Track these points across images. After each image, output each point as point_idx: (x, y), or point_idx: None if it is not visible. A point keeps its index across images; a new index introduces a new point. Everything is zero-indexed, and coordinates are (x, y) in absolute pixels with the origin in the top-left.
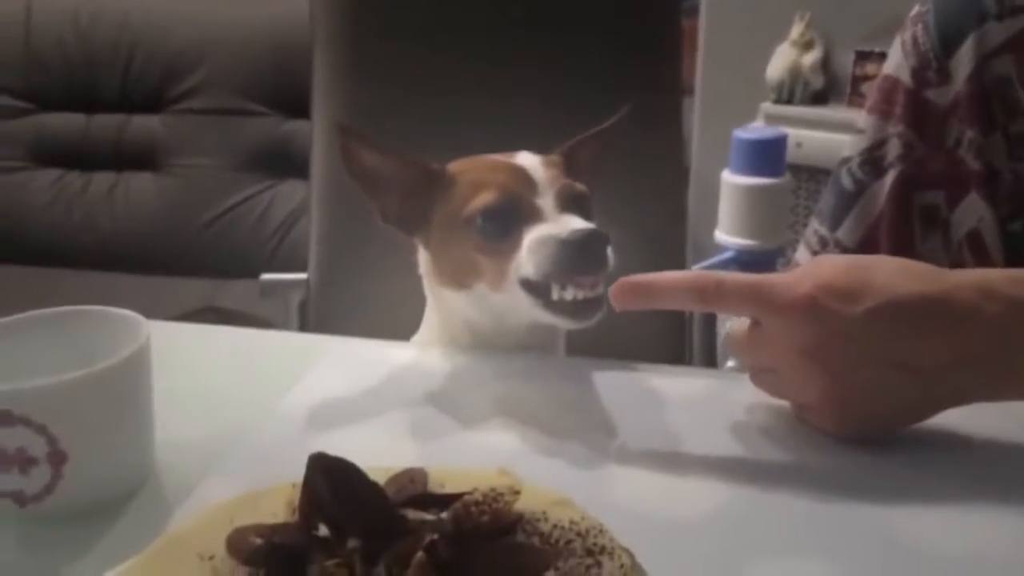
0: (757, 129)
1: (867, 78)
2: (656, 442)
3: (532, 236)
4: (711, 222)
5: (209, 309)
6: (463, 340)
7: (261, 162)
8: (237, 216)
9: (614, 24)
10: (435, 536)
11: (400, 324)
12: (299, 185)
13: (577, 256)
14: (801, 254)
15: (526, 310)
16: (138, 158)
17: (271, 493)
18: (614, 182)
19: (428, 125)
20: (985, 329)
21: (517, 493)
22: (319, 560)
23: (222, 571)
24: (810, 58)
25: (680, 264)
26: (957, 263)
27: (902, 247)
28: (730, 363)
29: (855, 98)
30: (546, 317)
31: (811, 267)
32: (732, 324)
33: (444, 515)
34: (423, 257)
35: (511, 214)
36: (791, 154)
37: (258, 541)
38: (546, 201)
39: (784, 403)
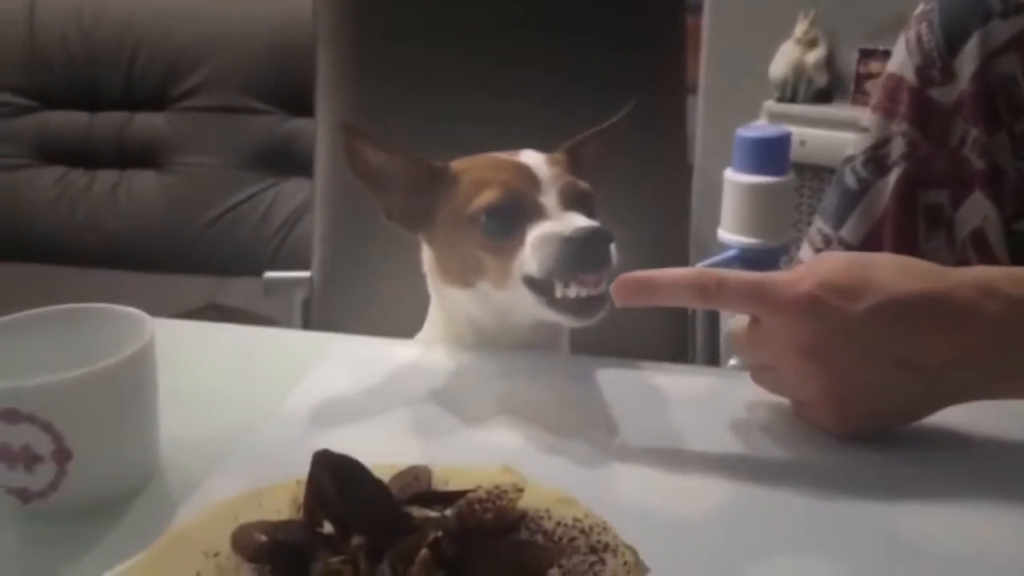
0: (760, 127)
1: (871, 76)
2: (659, 440)
3: (535, 234)
4: (714, 220)
5: (212, 307)
6: (467, 338)
7: (264, 160)
8: (240, 214)
9: (617, 24)
10: (439, 533)
11: (404, 322)
12: (302, 183)
13: (580, 254)
14: (805, 252)
15: (529, 308)
16: (142, 156)
17: (275, 490)
18: (617, 180)
19: (431, 124)
20: (986, 327)
21: (521, 491)
22: (323, 557)
23: (227, 568)
24: (814, 56)
25: (683, 263)
26: (961, 262)
27: (906, 246)
28: (733, 361)
29: (859, 96)
30: (549, 315)
31: (812, 265)
32: (733, 322)
33: (448, 512)
34: (427, 255)
35: (515, 212)
36: (795, 152)
37: (262, 538)
38: (549, 199)
39: (786, 401)
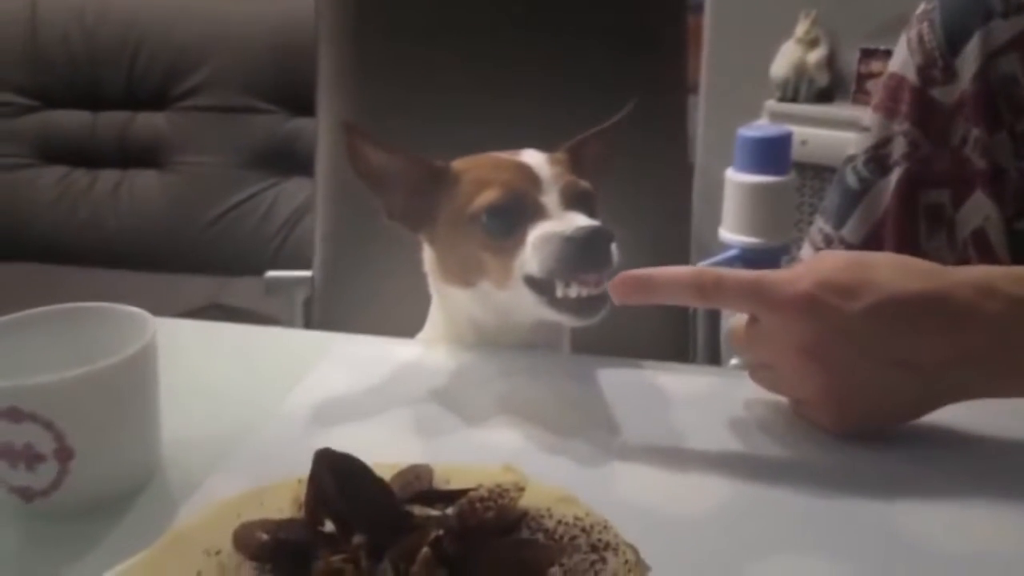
0: (762, 127)
1: (872, 76)
2: (660, 439)
3: (536, 233)
4: (715, 220)
5: (214, 306)
6: (468, 337)
7: (266, 159)
8: (242, 213)
9: (618, 24)
10: (440, 532)
11: (405, 321)
12: (304, 182)
13: (581, 253)
14: (806, 252)
15: (530, 307)
16: (143, 155)
17: (277, 489)
18: (618, 180)
19: (433, 123)
20: (986, 327)
21: (522, 490)
22: (324, 555)
23: (228, 566)
24: (815, 56)
25: (684, 262)
26: (962, 262)
27: (907, 246)
28: (734, 361)
29: (860, 96)
30: (550, 314)
31: (810, 264)
32: (733, 320)
33: (449, 511)
34: (428, 254)
35: (515, 211)
36: (796, 152)
37: (264, 536)
38: (550, 198)
39: (787, 401)
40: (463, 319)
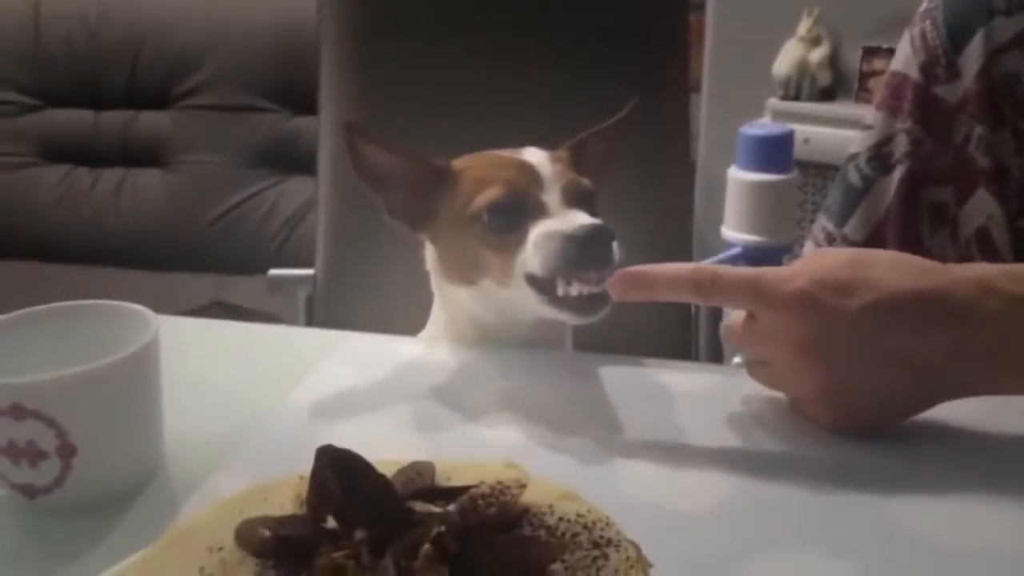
0: (764, 125)
1: (874, 74)
2: (662, 436)
3: (537, 231)
4: (718, 218)
5: (216, 305)
6: (469, 335)
7: (268, 158)
8: (244, 212)
9: (620, 22)
10: (442, 528)
11: (407, 319)
12: (306, 181)
13: (582, 252)
14: (808, 250)
15: (532, 306)
16: (146, 154)
17: (279, 486)
18: (621, 178)
19: (435, 122)
20: (984, 325)
21: (524, 486)
22: (327, 552)
23: (231, 563)
24: (817, 54)
25: (685, 260)
26: (965, 260)
27: (909, 244)
28: (736, 359)
29: (862, 94)
30: (551, 313)
31: (808, 261)
32: (731, 317)
33: (451, 508)
34: (430, 253)
35: (517, 209)
36: (798, 150)
37: (266, 533)
38: (552, 196)
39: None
40: (465, 317)
